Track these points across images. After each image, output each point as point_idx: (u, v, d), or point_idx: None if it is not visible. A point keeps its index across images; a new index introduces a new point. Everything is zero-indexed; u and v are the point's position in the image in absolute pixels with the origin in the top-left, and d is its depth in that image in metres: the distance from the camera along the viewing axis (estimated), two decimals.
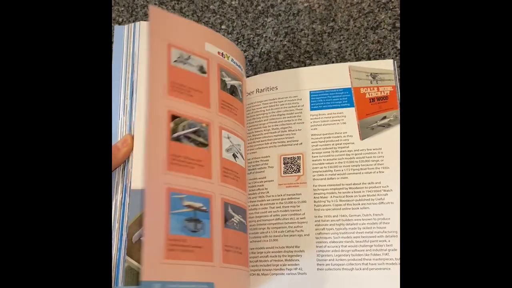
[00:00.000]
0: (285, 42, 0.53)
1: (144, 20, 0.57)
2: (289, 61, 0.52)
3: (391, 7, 0.52)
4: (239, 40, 0.54)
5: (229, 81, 0.42)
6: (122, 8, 0.58)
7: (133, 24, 0.40)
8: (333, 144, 0.44)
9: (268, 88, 0.47)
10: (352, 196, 0.42)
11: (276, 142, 0.45)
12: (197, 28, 0.41)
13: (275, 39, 0.53)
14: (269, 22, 0.54)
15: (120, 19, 0.57)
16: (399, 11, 0.51)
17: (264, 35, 0.54)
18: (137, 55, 0.39)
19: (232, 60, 0.43)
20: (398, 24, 0.51)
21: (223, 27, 0.55)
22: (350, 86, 0.46)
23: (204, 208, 0.36)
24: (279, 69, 0.52)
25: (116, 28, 0.40)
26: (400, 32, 0.50)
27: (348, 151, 0.43)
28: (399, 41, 0.50)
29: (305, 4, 0.54)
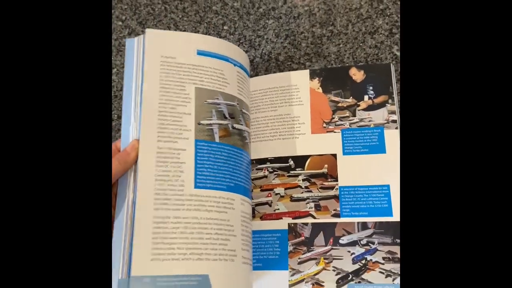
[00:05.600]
0: (286, 44, 0.55)
1: (148, 19, 0.58)
2: (289, 63, 0.54)
3: (388, 14, 0.54)
4: (240, 41, 0.56)
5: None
6: (126, 6, 0.59)
7: (142, 36, 0.42)
8: None
9: None
10: None
11: None
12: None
13: (276, 40, 0.55)
14: (270, 24, 0.56)
15: (123, 17, 0.58)
16: (396, 18, 0.53)
17: (265, 37, 0.55)
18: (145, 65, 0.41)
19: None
20: (395, 30, 0.53)
21: (225, 27, 0.57)
22: None
23: None
24: (280, 70, 0.53)
25: (127, 41, 0.42)
26: (400, 36, 0.52)
27: None
28: (396, 46, 0.52)
29: (306, 8, 0.56)
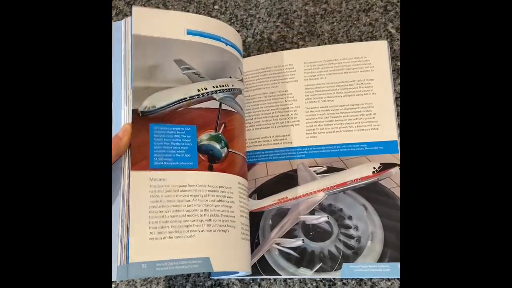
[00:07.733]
0: (278, 23, 0.53)
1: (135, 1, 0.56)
2: (282, 42, 0.52)
3: None
4: (232, 21, 0.54)
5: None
6: None
7: (129, 18, 0.40)
8: None
9: None
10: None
11: None
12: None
13: (268, 20, 0.54)
14: (262, 3, 0.55)
15: None
16: None
17: (257, 16, 0.54)
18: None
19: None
20: (389, 7, 0.52)
21: (215, 7, 0.55)
22: None
23: None
24: (272, 50, 0.52)
25: (114, 24, 0.41)
26: (400, 15, 0.51)
27: None
28: (390, 23, 0.51)
29: None
